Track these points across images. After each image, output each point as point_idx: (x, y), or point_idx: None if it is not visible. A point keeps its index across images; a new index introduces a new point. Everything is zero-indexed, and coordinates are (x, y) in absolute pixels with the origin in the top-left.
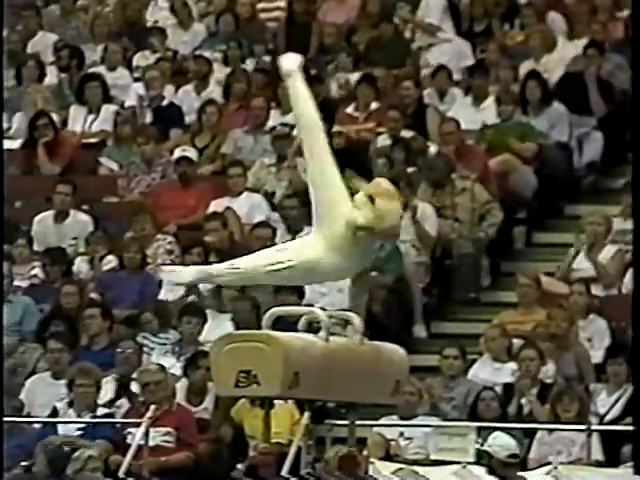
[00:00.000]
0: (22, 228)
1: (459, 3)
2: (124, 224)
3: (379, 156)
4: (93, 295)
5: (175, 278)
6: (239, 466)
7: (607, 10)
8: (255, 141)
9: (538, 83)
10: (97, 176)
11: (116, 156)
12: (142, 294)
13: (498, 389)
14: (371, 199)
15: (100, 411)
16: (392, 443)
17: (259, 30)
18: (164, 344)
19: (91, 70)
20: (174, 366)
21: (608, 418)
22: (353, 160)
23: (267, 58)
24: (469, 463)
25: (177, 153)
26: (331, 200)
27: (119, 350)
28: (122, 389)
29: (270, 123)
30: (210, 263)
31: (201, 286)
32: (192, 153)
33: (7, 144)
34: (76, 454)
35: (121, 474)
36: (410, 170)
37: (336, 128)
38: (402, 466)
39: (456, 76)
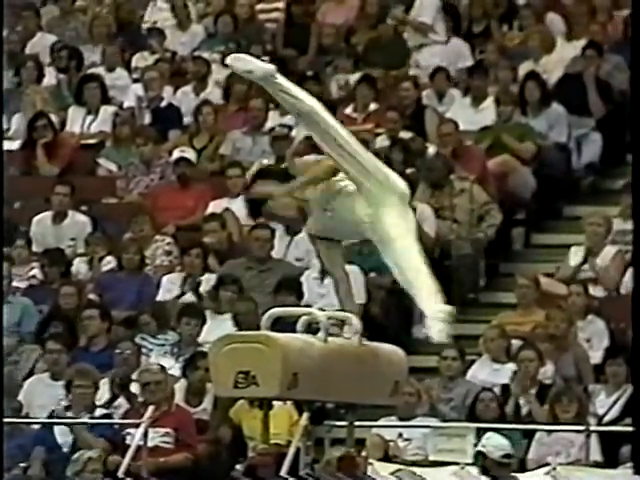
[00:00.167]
0: (21, 229)
1: (458, 4)
2: (123, 225)
3: (378, 157)
4: (92, 296)
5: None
6: (238, 467)
7: (606, 11)
8: (254, 142)
9: (537, 84)
10: (96, 177)
11: (115, 157)
12: (141, 295)
13: (497, 390)
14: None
15: (99, 412)
16: (391, 444)
17: (258, 31)
18: (163, 345)
19: (90, 71)
20: (173, 367)
21: (607, 419)
22: None
23: (266, 59)
24: (468, 464)
25: (176, 154)
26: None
27: (118, 351)
28: (121, 390)
29: (269, 124)
30: (209, 264)
31: (200, 288)
32: (191, 154)
33: (6, 145)
34: (75, 456)
35: (120, 474)
36: (409, 171)
37: None
38: (401, 467)
39: (455, 77)
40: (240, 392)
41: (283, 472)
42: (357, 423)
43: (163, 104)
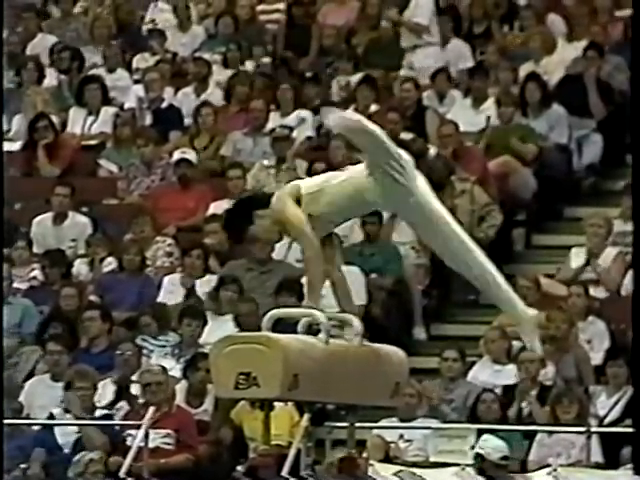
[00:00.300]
0: (21, 230)
1: (459, 5)
2: (123, 226)
3: None
4: (92, 297)
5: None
6: (239, 468)
7: (607, 12)
8: (254, 143)
9: (538, 85)
10: (96, 178)
11: (115, 158)
12: (141, 296)
13: (498, 391)
14: None
15: (99, 413)
16: (392, 445)
17: (258, 32)
18: (164, 346)
19: (91, 72)
20: (174, 368)
21: (608, 420)
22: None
23: (266, 60)
24: (468, 465)
25: (176, 155)
26: None
27: (118, 352)
28: (121, 391)
29: (270, 125)
30: (209, 265)
31: (200, 288)
32: (191, 155)
33: (7, 146)
34: (77, 457)
35: (121, 475)
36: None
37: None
38: (402, 468)
39: (455, 78)
40: (241, 393)
41: (284, 473)
42: (358, 424)
43: (164, 105)
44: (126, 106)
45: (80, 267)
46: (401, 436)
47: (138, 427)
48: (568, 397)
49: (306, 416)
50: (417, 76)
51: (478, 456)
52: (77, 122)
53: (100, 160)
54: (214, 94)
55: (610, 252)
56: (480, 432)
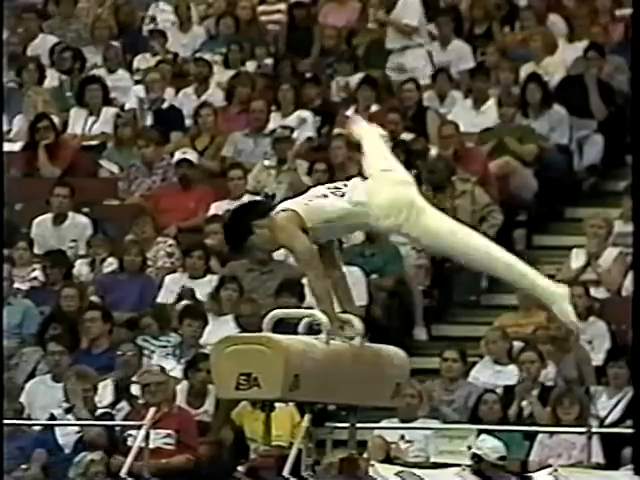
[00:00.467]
0: (22, 230)
1: (459, 5)
2: (124, 227)
3: None
4: (93, 298)
5: None
6: (240, 468)
7: (607, 12)
8: (255, 144)
9: (538, 86)
10: (97, 179)
11: (116, 159)
12: (142, 297)
13: (498, 391)
14: None
15: (100, 414)
16: (392, 446)
17: (259, 33)
18: (164, 347)
19: (91, 73)
20: (174, 369)
21: (608, 421)
22: None
23: (268, 61)
24: (469, 466)
25: (177, 156)
26: None
27: (119, 353)
28: (122, 392)
29: (270, 126)
30: (210, 266)
31: (199, 289)
32: (192, 156)
33: (7, 147)
34: (77, 458)
35: (122, 475)
36: (410, 173)
37: (336, 130)
38: (402, 468)
39: (456, 79)
40: (242, 394)
41: (285, 474)
42: (359, 425)
43: (165, 106)
44: (127, 107)
45: (81, 268)
46: (402, 437)
47: (139, 428)
48: (569, 398)
49: (307, 417)
50: (407, 78)
51: (475, 456)
52: (78, 123)
53: (101, 161)
54: (215, 95)
55: (611, 253)
56: (481, 433)
